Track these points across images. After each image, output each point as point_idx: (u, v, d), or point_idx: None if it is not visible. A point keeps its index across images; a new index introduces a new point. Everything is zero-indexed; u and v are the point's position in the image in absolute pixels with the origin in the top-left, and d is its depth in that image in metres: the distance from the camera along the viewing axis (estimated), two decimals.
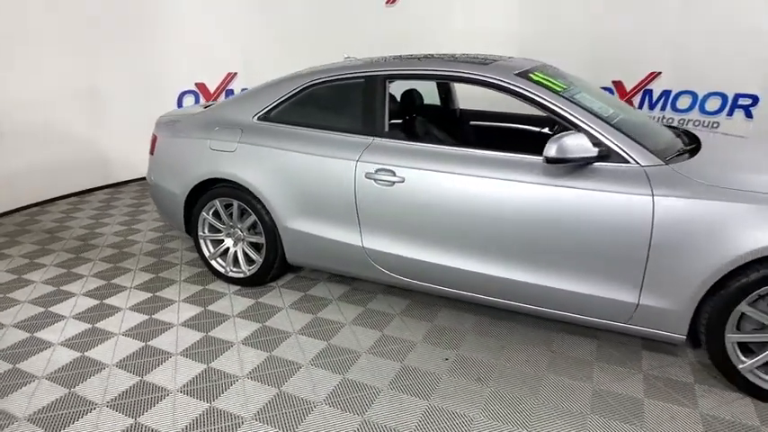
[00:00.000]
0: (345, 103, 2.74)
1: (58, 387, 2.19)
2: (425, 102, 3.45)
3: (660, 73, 5.74)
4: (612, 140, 2.18)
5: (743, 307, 1.99)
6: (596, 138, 2.18)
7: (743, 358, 2.07)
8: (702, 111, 5.51)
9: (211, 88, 5.90)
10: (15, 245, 3.76)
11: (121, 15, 4.94)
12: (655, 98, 5.84)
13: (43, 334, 2.59)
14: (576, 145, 2.10)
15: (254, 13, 6.23)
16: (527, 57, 5.40)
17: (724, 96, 5.34)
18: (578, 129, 2.21)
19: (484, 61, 2.60)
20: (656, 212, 2.04)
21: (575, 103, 2.29)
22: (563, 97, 2.31)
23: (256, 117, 2.92)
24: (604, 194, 2.12)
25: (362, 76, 2.70)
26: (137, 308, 2.84)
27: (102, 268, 3.35)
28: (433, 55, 2.86)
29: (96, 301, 2.91)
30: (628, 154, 2.15)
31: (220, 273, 3.11)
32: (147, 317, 2.74)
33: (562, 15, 6.08)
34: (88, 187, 5.11)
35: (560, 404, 2.06)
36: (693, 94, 5.54)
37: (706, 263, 1.99)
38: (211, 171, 2.92)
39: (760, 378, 2.06)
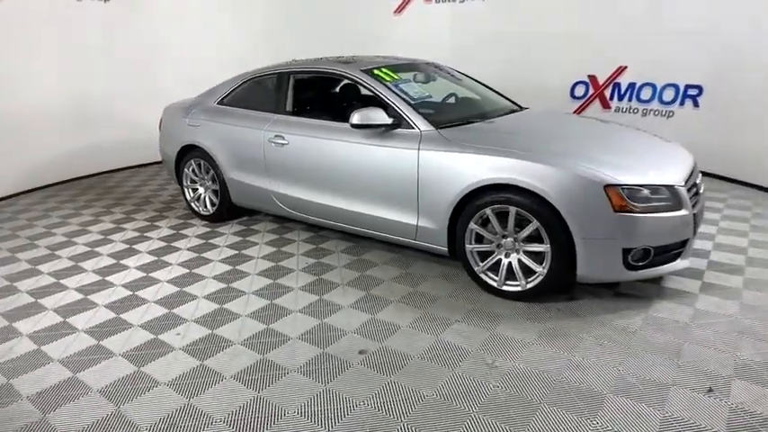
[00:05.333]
0: (265, 91, 3.97)
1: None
2: None
3: (626, 67, 6.24)
4: (406, 114, 3.16)
5: (473, 226, 2.90)
6: (396, 111, 3.18)
7: (479, 263, 2.96)
8: (660, 101, 5.96)
9: None
10: (85, 195, 5.45)
11: (182, 42, 6.61)
12: (623, 90, 6.35)
13: (82, 238, 4.11)
14: (374, 116, 3.12)
15: (282, 25, 7.68)
16: (513, 56, 6.43)
17: (677, 87, 5.76)
18: (385, 105, 3.22)
19: (351, 60, 3.69)
20: (420, 161, 3.01)
21: (390, 90, 3.30)
22: (385, 85, 3.33)
23: (216, 102, 4.23)
24: (395, 150, 3.12)
25: (276, 73, 3.91)
26: (139, 229, 4.28)
27: (130, 208, 4.88)
28: (327, 58, 3.98)
29: (114, 225, 4.40)
30: (414, 122, 3.13)
31: (196, 211, 4.47)
32: (139, 234, 4.17)
33: (544, 19, 6.79)
34: (145, 162, 6.80)
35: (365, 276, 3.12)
36: (653, 86, 6.01)
37: (448, 194, 2.93)
38: (187, 139, 4.28)
39: (489, 277, 2.95)
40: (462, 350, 2.44)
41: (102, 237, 4.14)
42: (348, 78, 3.50)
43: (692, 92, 5.63)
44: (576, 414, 1.99)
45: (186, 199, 4.51)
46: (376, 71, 3.50)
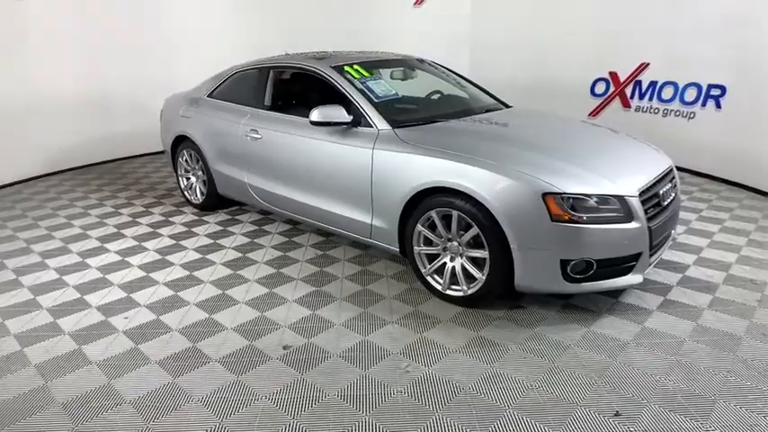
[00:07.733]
0: (247, 85, 4.05)
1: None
2: None
3: (649, 64, 5.92)
4: (366, 112, 3.16)
5: (420, 227, 2.87)
6: (357, 109, 3.18)
7: (426, 265, 2.93)
8: (682, 101, 5.63)
9: None
10: (99, 179, 5.78)
11: (201, 29, 6.83)
12: (644, 89, 6.04)
13: (79, 221, 4.38)
14: (333, 113, 3.13)
15: (299, 15, 7.74)
16: (535, 49, 6.30)
17: (699, 87, 5.41)
18: (348, 102, 3.22)
19: (326, 56, 3.72)
20: (373, 160, 3.00)
21: (355, 87, 3.29)
22: (350, 82, 3.33)
23: (206, 95, 4.37)
24: (353, 148, 3.13)
25: (257, 68, 3.99)
26: (133, 214, 4.50)
27: (133, 193, 5.14)
28: (306, 53, 4.02)
29: (113, 210, 4.65)
30: (373, 121, 3.12)
31: (189, 199, 4.66)
32: (131, 219, 4.39)
33: (567, 10, 6.56)
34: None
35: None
36: (675, 85, 5.68)
37: (397, 195, 2.91)
38: (179, 130, 4.45)
39: (434, 280, 2.92)
40: (383, 352, 2.44)
41: (98, 220, 4.39)
42: (317, 74, 3.52)
43: (715, 92, 5.26)
44: (467, 426, 1.95)
45: (180, 187, 4.71)
46: (346, 68, 3.50)
